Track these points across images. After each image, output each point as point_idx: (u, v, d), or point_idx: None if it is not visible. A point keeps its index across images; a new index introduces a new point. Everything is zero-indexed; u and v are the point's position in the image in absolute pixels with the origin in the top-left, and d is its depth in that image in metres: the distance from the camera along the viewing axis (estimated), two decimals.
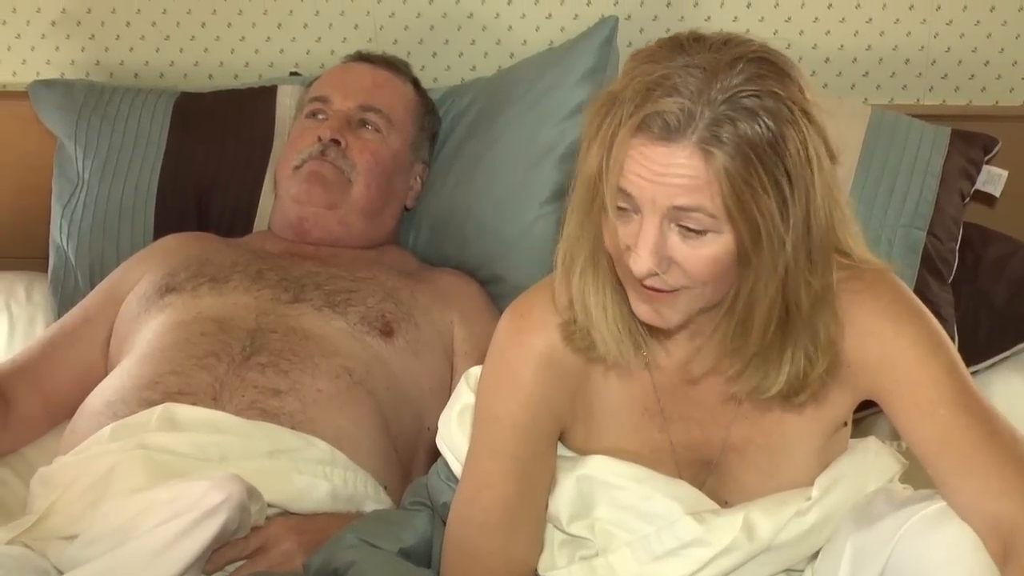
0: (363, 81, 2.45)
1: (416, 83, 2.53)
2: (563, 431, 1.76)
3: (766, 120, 1.45)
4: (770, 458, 1.70)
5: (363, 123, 2.40)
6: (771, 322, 1.55)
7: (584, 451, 1.77)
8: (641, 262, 1.50)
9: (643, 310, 1.57)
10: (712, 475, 1.74)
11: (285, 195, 2.39)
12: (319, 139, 2.36)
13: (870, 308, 1.61)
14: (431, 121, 2.54)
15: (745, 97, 1.45)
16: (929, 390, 1.59)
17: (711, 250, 1.50)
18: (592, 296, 1.61)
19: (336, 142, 2.36)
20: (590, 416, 1.73)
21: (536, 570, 1.77)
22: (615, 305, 1.61)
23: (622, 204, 1.51)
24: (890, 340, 1.60)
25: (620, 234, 1.52)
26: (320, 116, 2.41)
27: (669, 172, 1.46)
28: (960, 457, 1.56)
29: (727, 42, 1.50)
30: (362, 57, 2.53)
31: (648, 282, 1.53)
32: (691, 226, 1.48)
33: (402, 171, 2.45)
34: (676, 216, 1.48)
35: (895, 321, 1.61)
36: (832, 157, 1.52)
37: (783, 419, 1.67)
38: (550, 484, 1.76)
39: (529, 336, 1.69)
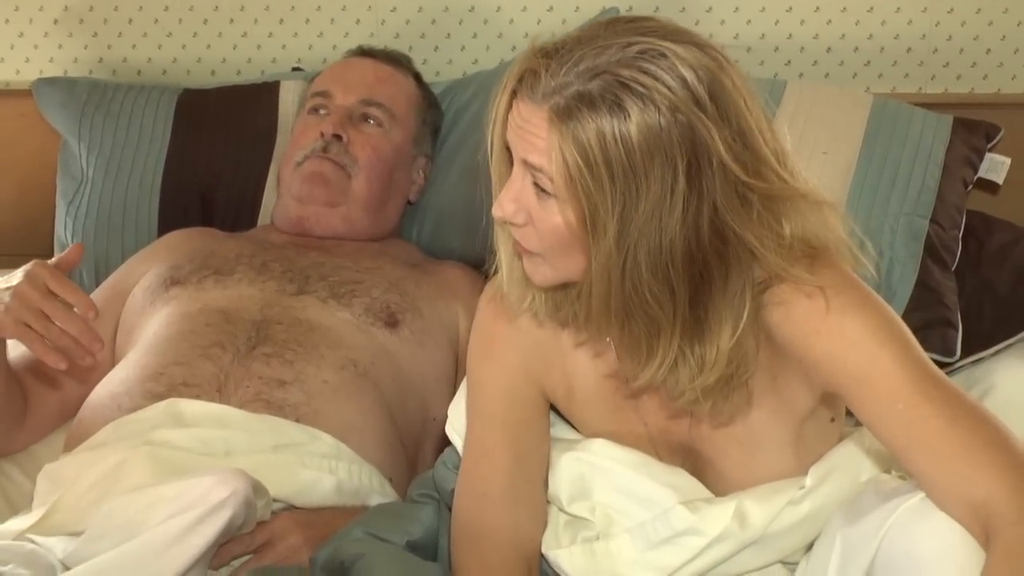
0: (365, 76, 2.46)
1: (418, 77, 2.54)
2: (553, 402, 1.78)
3: (630, 115, 1.43)
4: (741, 448, 1.70)
5: (365, 118, 2.41)
6: (608, 312, 1.53)
7: (565, 420, 1.79)
8: (498, 206, 1.55)
9: (524, 263, 1.60)
10: (691, 462, 1.74)
11: (287, 193, 2.40)
12: (321, 135, 2.36)
13: (808, 307, 1.56)
14: (433, 115, 2.54)
15: (620, 84, 1.44)
16: (884, 385, 1.54)
17: (556, 218, 1.51)
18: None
19: (338, 137, 2.36)
20: (571, 392, 1.74)
21: (540, 546, 1.78)
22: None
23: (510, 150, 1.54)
24: (836, 337, 1.55)
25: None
26: (322, 111, 2.42)
27: (526, 127, 1.48)
28: (928, 449, 1.53)
29: (644, 28, 1.48)
30: (363, 52, 2.53)
31: (513, 232, 1.57)
32: (540, 185, 1.50)
33: (404, 165, 2.46)
34: (531, 171, 1.50)
35: (839, 316, 1.55)
36: (732, 173, 1.46)
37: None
38: (546, 454, 1.77)
39: (501, 307, 1.72)
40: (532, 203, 1.52)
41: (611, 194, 1.45)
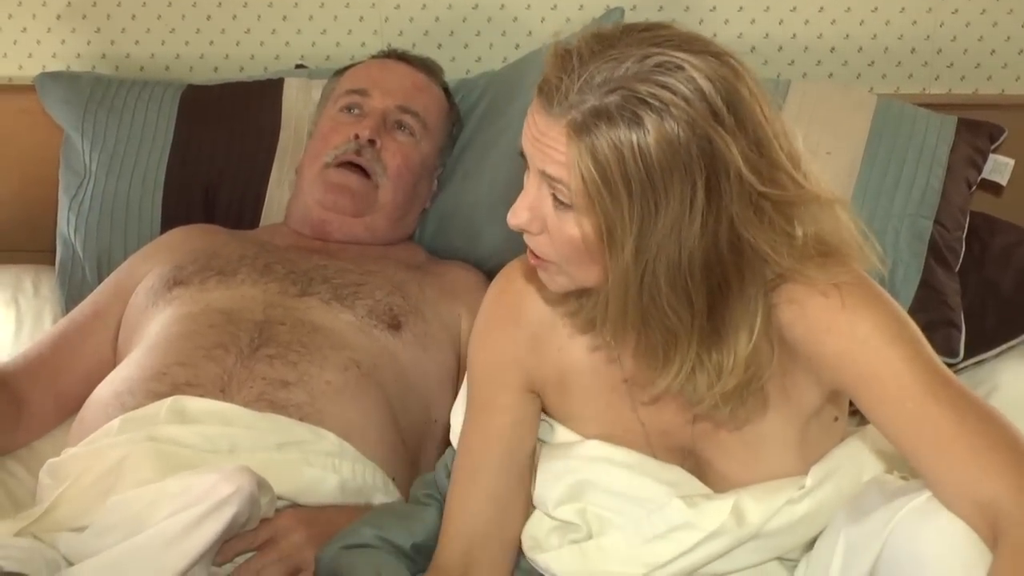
0: (403, 81, 2.45)
1: (446, 89, 2.53)
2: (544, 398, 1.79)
3: (649, 130, 1.42)
4: (744, 447, 1.70)
5: (399, 125, 2.40)
6: (625, 321, 1.54)
7: (559, 421, 1.80)
8: (513, 213, 1.54)
9: (539, 272, 1.61)
10: (691, 462, 1.74)
11: (309, 194, 2.39)
12: (356, 136, 2.35)
13: (824, 304, 1.57)
14: (457, 129, 2.54)
15: (637, 99, 1.43)
16: (893, 385, 1.55)
17: (573, 230, 1.50)
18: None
19: (371, 142, 2.35)
20: (564, 385, 1.75)
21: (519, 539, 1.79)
22: None
23: (523, 156, 1.54)
24: (846, 335, 1.56)
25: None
26: (355, 111, 2.40)
27: (543, 139, 1.48)
28: (936, 449, 1.53)
29: (659, 38, 1.47)
30: (399, 56, 2.53)
31: (527, 240, 1.56)
32: (559, 196, 1.50)
33: (428, 176, 2.46)
34: (548, 182, 1.50)
35: (851, 314, 1.56)
36: (749, 184, 1.46)
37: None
38: (533, 449, 1.79)
39: (506, 296, 1.75)
40: (548, 212, 1.52)
41: (629, 210, 1.45)
